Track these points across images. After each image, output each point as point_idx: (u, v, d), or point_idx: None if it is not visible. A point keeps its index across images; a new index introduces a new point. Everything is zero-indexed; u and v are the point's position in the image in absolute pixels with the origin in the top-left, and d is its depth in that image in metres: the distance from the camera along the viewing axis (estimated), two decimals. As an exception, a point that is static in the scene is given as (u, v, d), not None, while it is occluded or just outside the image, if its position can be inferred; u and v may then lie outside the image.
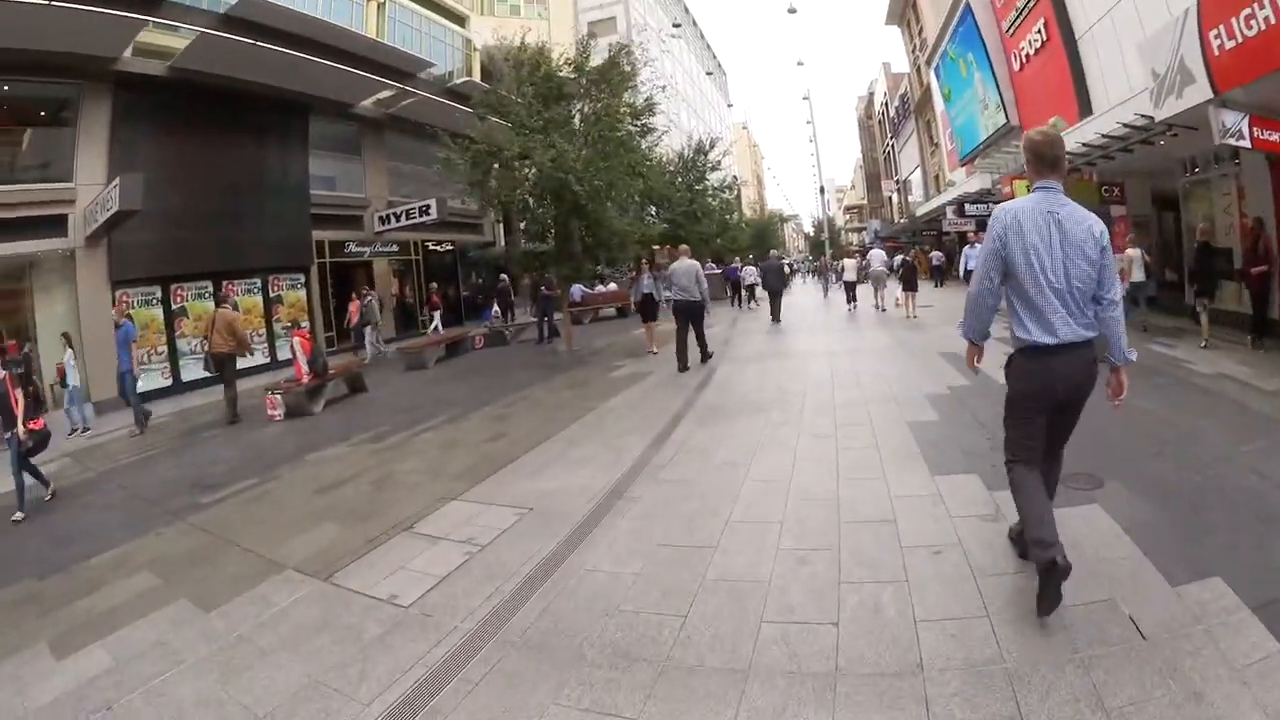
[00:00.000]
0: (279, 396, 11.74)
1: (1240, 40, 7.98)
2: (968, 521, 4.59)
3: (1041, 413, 3.60)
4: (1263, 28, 7.61)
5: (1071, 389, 3.51)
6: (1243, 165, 11.50)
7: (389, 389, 14.27)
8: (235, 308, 15.00)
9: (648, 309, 15.34)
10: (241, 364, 13.18)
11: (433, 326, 22.95)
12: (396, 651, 3.70)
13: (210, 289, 17.04)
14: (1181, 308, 11.31)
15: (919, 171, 43.98)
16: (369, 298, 19.54)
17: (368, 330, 19.38)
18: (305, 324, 19.10)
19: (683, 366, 12.24)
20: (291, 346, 12.96)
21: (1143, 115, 10.92)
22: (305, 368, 12.23)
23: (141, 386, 13.72)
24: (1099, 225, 3.45)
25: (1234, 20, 7.97)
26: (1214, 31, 8.36)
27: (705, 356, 12.84)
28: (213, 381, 13.46)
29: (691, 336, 12.60)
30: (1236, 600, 3.30)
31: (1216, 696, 2.70)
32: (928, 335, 14.26)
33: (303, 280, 20.36)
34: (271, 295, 19.32)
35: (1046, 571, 3.30)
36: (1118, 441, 5.95)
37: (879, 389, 9.22)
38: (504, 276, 24.82)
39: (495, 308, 24.13)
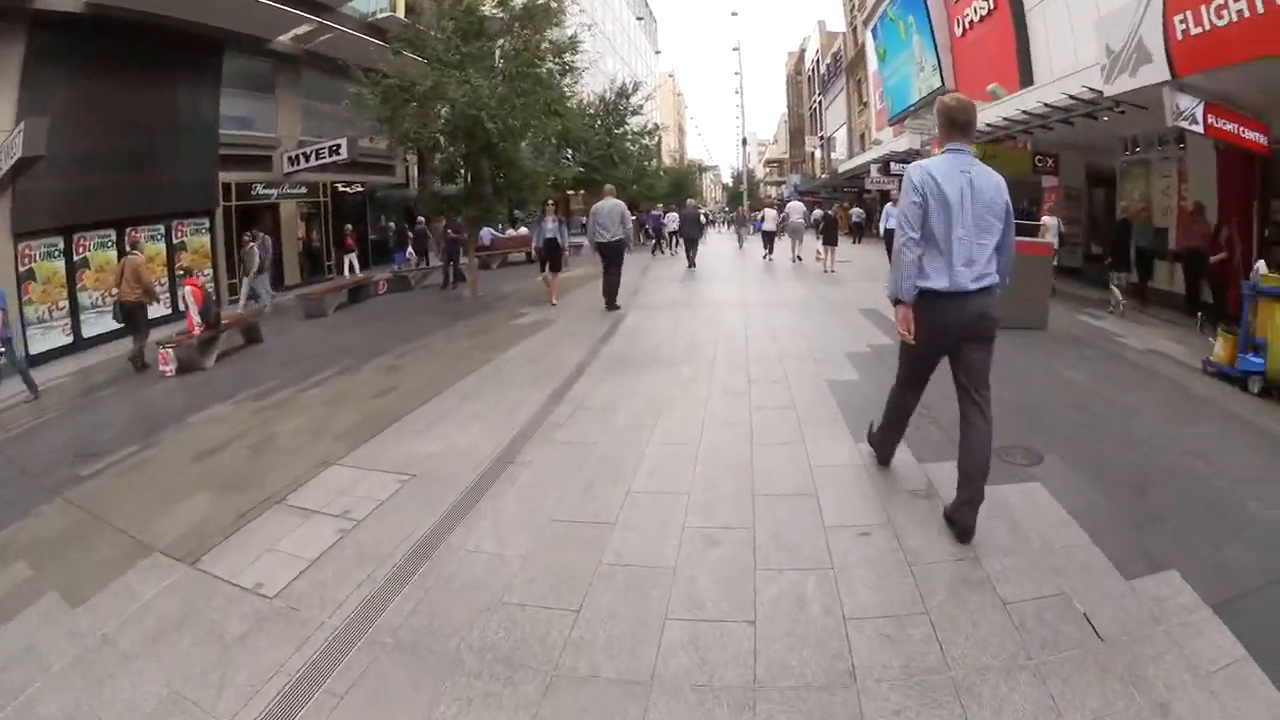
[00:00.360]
0: (170, 351, 10.89)
1: (1208, 28, 8.04)
2: (898, 497, 4.37)
3: (933, 353, 3.96)
4: (1234, 19, 7.66)
5: (966, 331, 3.75)
6: (1187, 149, 11.69)
7: (286, 339, 13.56)
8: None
9: (550, 255, 14.03)
10: (149, 313, 12.36)
11: (347, 268, 21.97)
12: (259, 655, 3.30)
13: (114, 237, 15.63)
14: (1106, 280, 11.80)
15: (844, 129, 44.28)
16: (250, 244, 17.61)
17: (247, 277, 17.70)
18: (208, 271, 17.84)
19: (610, 305, 12.49)
20: (182, 296, 12.11)
21: (1091, 89, 10.99)
22: (197, 319, 11.38)
23: (43, 347, 13.08)
24: (1005, 186, 3.80)
25: (1203, 8, 8.01)
26: (1179, 16, 8.42)
27: (612, 305, 12.63)
28: (118, 335, 12.71)
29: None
30: (1195, 598, 3.17)
31: (1183, 708, 2.54)
32: (846, 290, 14.28)
33: (207, 225, 18.89)
34: (175, 242, 17.79)
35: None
36: (1050, 412, 5.95)
37: (796, 344, 9.11)
38: (421, 220, 23.90)
39: (410, 251, 23.28)
